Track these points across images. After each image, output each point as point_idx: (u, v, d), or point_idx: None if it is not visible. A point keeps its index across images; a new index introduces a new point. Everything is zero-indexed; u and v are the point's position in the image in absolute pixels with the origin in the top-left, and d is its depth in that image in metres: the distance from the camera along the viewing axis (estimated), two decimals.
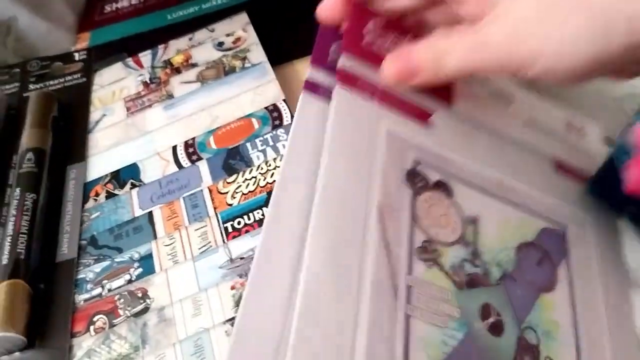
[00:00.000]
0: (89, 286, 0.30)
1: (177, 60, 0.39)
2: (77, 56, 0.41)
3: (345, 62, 0.26)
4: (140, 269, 0.30)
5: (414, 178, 0.25)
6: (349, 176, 0.23)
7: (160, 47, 0.40)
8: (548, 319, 0.24)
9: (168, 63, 0.39)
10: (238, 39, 0.40)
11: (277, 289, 0.21)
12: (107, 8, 0.46)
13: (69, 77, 0.40)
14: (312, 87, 0.26)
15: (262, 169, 0.33)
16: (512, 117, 0.29)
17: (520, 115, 0.30)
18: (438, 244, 0.24)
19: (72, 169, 0.35)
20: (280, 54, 0.39)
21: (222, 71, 0.38)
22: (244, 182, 0.32)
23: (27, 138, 0.34)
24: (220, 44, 0.40)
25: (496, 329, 0.23)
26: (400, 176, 0.24)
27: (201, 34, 0.41)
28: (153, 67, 0.39)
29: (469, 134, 0.27)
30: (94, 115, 0.38)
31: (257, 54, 0.38)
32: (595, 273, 0.26)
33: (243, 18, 0.41)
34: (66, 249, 0.31)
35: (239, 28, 0.40)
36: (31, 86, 0.39)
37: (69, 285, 0.30)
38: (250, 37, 0.39)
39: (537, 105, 0.31)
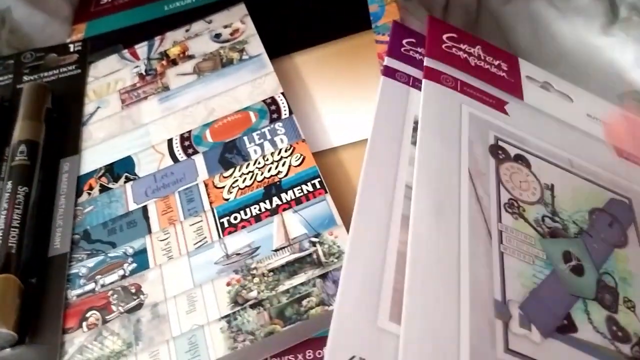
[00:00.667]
0: (81, 281, 0.29)
1: (174, 52, 0.39)
2: (72, 47, 0.40)
3: (429, 62, 0.32)
4: (134, 264, 0.29)
5: (497, 151, 0.29)
6: (442, 147, 0.28)
7: (157, 38, 0.40)
8: (623, 269, 0.27)
9: (164, 55, 0.39)
10: (236, 31, 0.39)
11: (380, 231, 0.26)
12: None
13: (64, 69, 0.39)
14: (391, 72, 0.32)
15: (259, 163, 0.32)
16: (574, 111, 0.34)
17: (581, 110, 0.34)
18: (521, 202, 0.28)
19: (65, 162, 0.34)
20: (278, 47, 0.38)
21: (219, 63, 0.37)
22: (240, 176, 0.32)
23: (19, 130, 0.34)
24: (218, 35, 0.39)
25: (577, 270, 0.27)
26: (484, 148, 0.29)
27: (198, 26, 0.40)
28: (149, 58, 0.39)
29: (539, 121, 0.32)
30: (89, 107, 0.37)
31: (255, 46, 0.37)
32: None
33: (241, 9, 0.40)
34: (59, 243, 0.31)
35: (237, 20, 0.39)
36: (25, 77, 0.39)
37: (61, 280, 0.29)
38: (248, 29, 0.39)
39: (595, 101, 0.35)
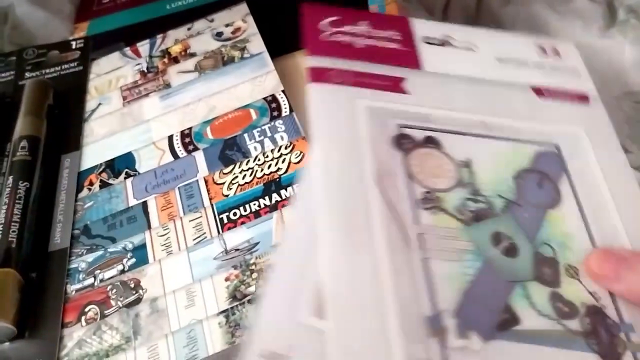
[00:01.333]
0: (81, 276, 0.29)
1: (175, 49, 0.39)
2: (74, 44, 0.40)
3: (311, 62, 0.28)
4: (134, 260, 0.30)
5: (401, 141, 0.26)
6: (340, 157, 0.25)
7: (159, 36, 0.40)
8: (560, 232, 0.25)
9: (166, 52, 0.39)
10: (237, 30, 0.39)
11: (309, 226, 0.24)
12: None
13: (66, 66, 0.39)
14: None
15: (259, 160, 0.32)
16: (481, 61, 0.31)
17: (489, 56, 0.31)
18: (438, 192, 0.25)
19: (66, 157, 0.34)
20: (279, 45, 0.38)
21: (220, 61, 0.37)
22: (240, 173, 0.32)
23: (21, 126, 0.34)
24: (219, 34, 0.39)
25: (510, 251, 0.24)
26: (387, 143, 0.26)
27: (200, 24, 0.40)
28: (151, 56, 0.39)
29: (443, 88, 0.29)
30: (90, 104, 0.37)
31: (257, 44, 0.38)
32: (598, 178, 0.27)
33: (243, 8, 0.40)
34: (59, 238, 0.31)
35: (239, 18, 0.40)
36: (27, 74, 0.39)
37: (61, 275, 0.29)
38: (250, 28, 0.39)
39: (503, 40, 0.32)
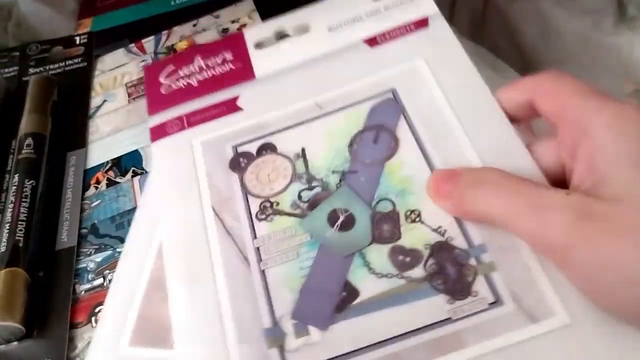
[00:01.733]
0: (90, 276, 0.29)
1: (181, 46, 0.38)
2: (78, 40, 0.40)
3: (152, 122, 0.30)
4: None
5: (237, 160, 0.27)
6: (179, 204, 0.26)
7: (164, 33, 0.39)
8: (398, 180, 0.24)
9: (171, 49, 0.38)
10: (243, 26, 0.39)
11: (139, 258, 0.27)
12: None
13: (70, 62, 0.39)
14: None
15: None
16: (314, 39, 0.30)
17: (321, 30, 0.31)
18: (274, 196, 0.26)
19: (72, 155, 0.34)
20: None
21: None
22: None
23: (26, 123, 0.33)
24: (225, 30, 0.39)
25: (347, 224, 0.24)
26: (224, 170, 0.27)
27: (205, 20, 0.40)
28: (156, 53, 0.38)
29: (276, 87, 0.29)
30: (95, 100, 0.37)
31: None
32: (440, 104, 0.26)
33: (249, 4, 0.40)
34: (66, 236, 0.30)
35: (245, 15, 0.39)
36: (31, 70, 0.38)
37: (68, 274, 0.29)
38: (256, 24, 0.38)
39: (334, 6, 0.31)
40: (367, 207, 0.24)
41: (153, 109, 0.30)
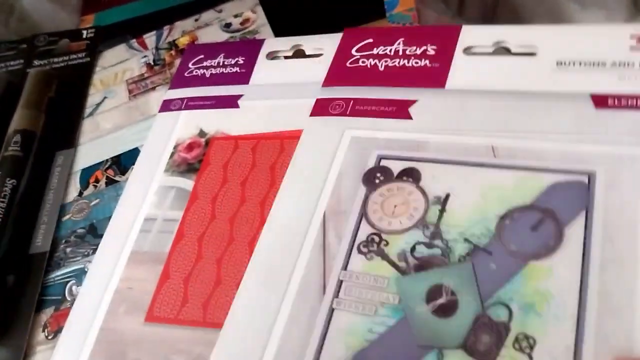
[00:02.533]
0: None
1: (183, 41, 0.38)
2: (85, 34, 0.39)
3: (322, 93, 0.27)
4: None
5: (375, 174, 0.24)
6: (300, 193, 0.24)
7: (165, 28, 0.39)
8: (533, 290, 0.19)
9: (173, 45, 0.38)
10: (246, 20, 0.38)
11: (107, 268, 0.26)
12: None
13: (73, 56, 0.38)
14: (165, 106, 0.30)
15: None
16: (536, 68, 0.25)
17: (547, 62, 0.25)
18: (387, 233, 0.22)
19: (60, 155, 0.33)
20: (290, 36, 0.37)
21: None
22: None
23: (17, 119, 0.33)
24: (228, 25, 0.38)
25: (445, 310, 0.20)
26: (356, 178, 0.24)
27: (208, 15, 0.39)
28: (157, 48, 0.38)
29: (458, 107, 0.25)
30: (95, 97, 0.36)
31: (266, 35, 0.36)
32: (638, 220, 0.20)
33: None
34: (40, 240, 0.30)
35: (248, 9, 0.38)
36: (36, 61, 0.38)
37: (37, 281, 0.28)
38: (259, 19, 0.37)
39: (569, 36, 0.25)
40: (479, 303, 0.20)
41: (330, 80, 0.28)
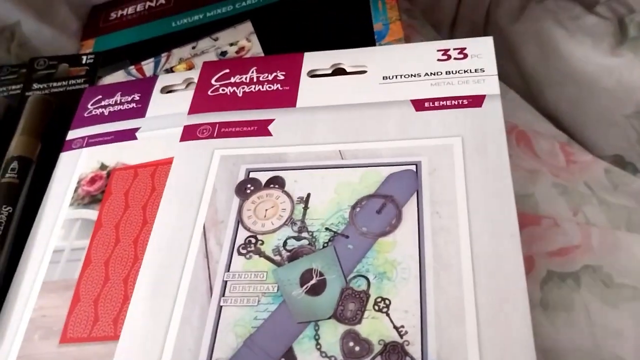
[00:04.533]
0: None
1: (180, 69, 0.39)
2: (84, 59, 0.40)
3: (188, 120, 0.31)
4: None
5: (245, 186, 0.27)
6: (178, 212, 0.27)
7: (163, 55, 0.40)
8: (383, 261, 0.24)
9: (170, 72, 0.39)
10: (242, 49, 0.39)
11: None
12: (112, 15, 0.45)
13: (73, 81, 0.39)
14: (68, 145, 0.33)
15: None
16: (365, 84, 0.30)
17: (375, 77, 0.30)
18: (262, 234, 0.26)
19: None
20: None
21: None
22: None
23: (15, 145, 0.33)
24: (224, 53, 0.39)
25: (317, 289, 0.23)
26: (230, 191, 0.27)
27: (204, 43, 0.40)
28: (155, 75, 0.39)
29: (308, 122, 0.29)
30: None
31: None
32: (458, 194, 0.24)
33: (247, 27, 0.40)
34: None
35: (243, 37, 0.40)
36: (35, 85, 0.39)
37: None
38: (254, 47, 0.39)
39: (395, 54, 0.31)
40: (343, 278, 0.23)
41: (194, 109, 0.31)
